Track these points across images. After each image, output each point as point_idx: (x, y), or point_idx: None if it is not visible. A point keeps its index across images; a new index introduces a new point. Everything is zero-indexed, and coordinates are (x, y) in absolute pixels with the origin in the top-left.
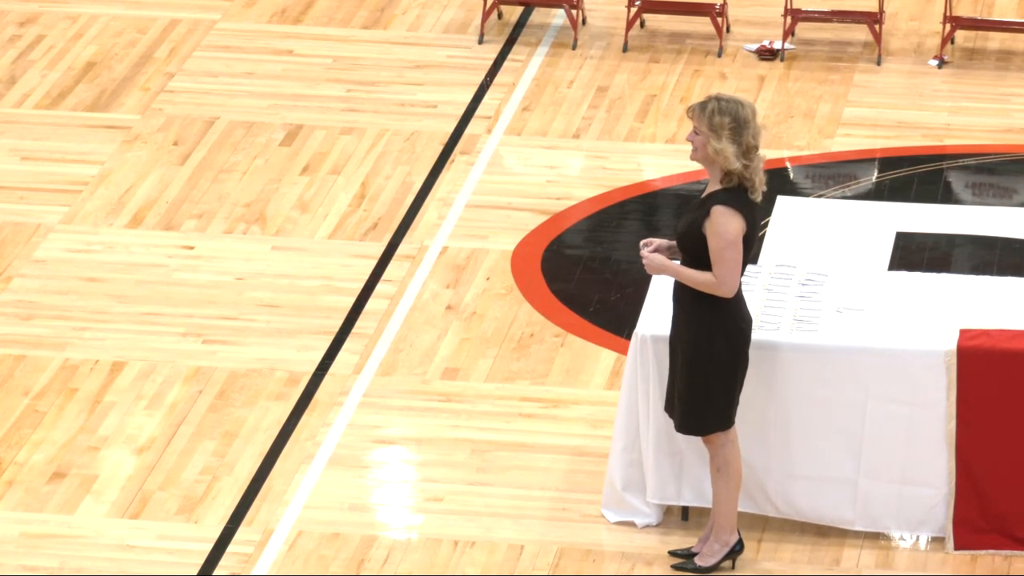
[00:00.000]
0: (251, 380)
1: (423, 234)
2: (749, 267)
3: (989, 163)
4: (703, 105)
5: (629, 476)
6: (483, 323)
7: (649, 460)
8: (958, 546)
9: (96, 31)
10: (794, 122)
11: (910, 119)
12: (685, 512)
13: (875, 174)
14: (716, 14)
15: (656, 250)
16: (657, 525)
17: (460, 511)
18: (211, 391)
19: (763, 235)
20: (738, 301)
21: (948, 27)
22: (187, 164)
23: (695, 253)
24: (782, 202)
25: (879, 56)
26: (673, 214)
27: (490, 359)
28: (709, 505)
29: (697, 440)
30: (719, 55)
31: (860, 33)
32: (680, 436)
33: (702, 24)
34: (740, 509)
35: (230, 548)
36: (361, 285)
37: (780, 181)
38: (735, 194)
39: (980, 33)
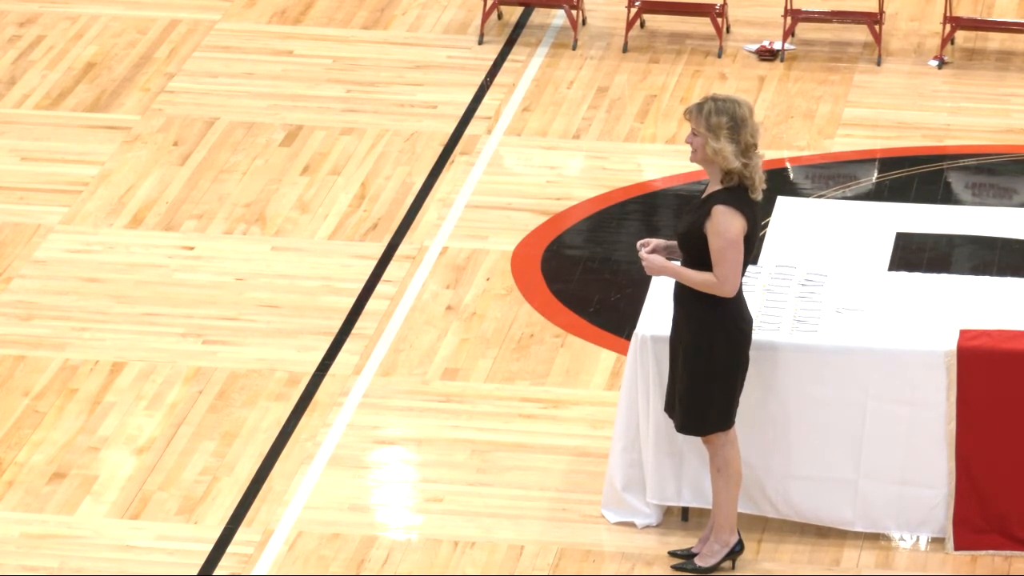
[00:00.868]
0: (251, 380)
1: (423, 234)
2: (749, 267)
3: (989, 163)
4: (700, 106)
5: (629, 476)
6: (483, 323)
7: (649, 460)
8: (958, 546)
9: (96, 31)
10: (794, 122)
11: (910, 119)
12: (685, 512)
13: (875, 174)
14: (716, 14)
15: (654, 250)
16: (657, 525)
17: (460, 511)
18: (211, 391)
19: (763, 235)
20: (739, 301)
21: (948, 27)
22: (187, 164)
23: (696, 253)
24: (782, 202)
25: (879, 56)
26: (673, 214)
27: (490, 359)
28: (709, 506)
29: (697, 440)
30: (719, 55)
31: (860, 33)
32: (680, 436)
33: (702, 24)
34: (740, 510)
35: (230, 548)
36: (361, 285)
37: (780, 181)
38: (736, 194)
39: (980, 33)
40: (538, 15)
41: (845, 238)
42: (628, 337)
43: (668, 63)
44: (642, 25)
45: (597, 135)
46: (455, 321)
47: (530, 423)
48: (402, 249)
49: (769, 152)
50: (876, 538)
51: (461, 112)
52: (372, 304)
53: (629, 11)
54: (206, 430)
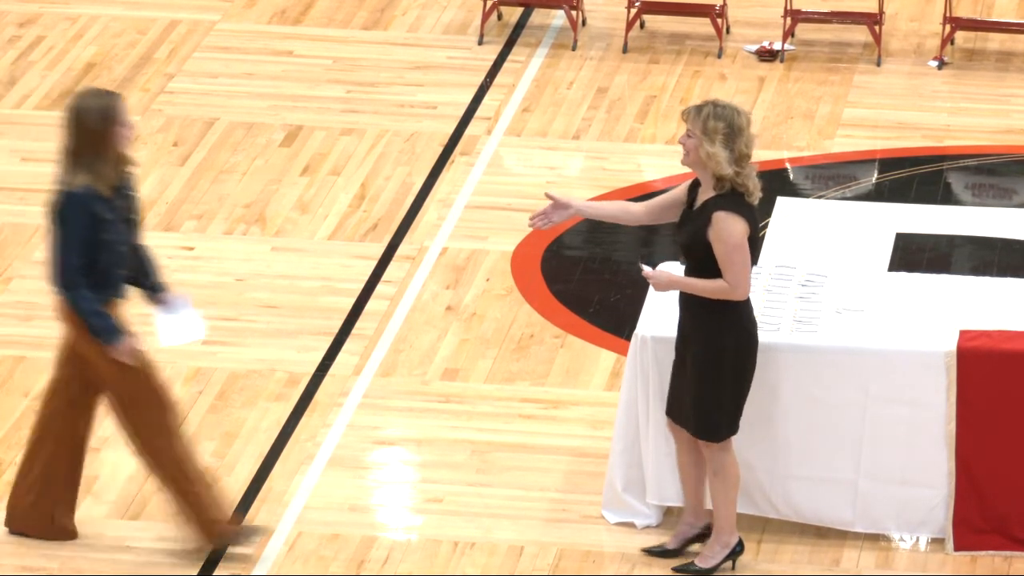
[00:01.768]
0: (251, 381)
1: (423, 235)
2: None
3: (989, 164)
4: (699, 108)
5: (629, 477)
6: (483, 324)
7: (649, 461)
8: (958, 547)
9: (96, 32)
10: (794, 123)
11: (910, 120)
12: None
13: (875, 175)
14: (716, 15)
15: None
16: (657, 526)
17: (460, 512)
18: (211, 392)
19: (763, 236)
20: (746, 304)
21: (948, 28)
22: (187, 165)
23: (702, 261)
24: (782, 203)
25: (879, 57)
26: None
27: (490, 360)
28: (709, 506)
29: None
30: (719, 56)
31: (860, 34)
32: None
33: (702, 25)
34: (739, 510)
35: (230, 549)
36: (361, 286)
37: (780, 182)
38: (732, 198)
39: (980, 34)
40: (538, 15)
41: (845, 238)
42: (628, 338)
43: (668, 64)
44: (642, 26)
45: (597, 136)
46: (455, 321)
47: (530, 424)
48: (402, 249)
49: (769, 152)
50: (876, 538)
51: (461, 112)
52: (372, 304)
53: (629, 12)
54: (206, 430)
